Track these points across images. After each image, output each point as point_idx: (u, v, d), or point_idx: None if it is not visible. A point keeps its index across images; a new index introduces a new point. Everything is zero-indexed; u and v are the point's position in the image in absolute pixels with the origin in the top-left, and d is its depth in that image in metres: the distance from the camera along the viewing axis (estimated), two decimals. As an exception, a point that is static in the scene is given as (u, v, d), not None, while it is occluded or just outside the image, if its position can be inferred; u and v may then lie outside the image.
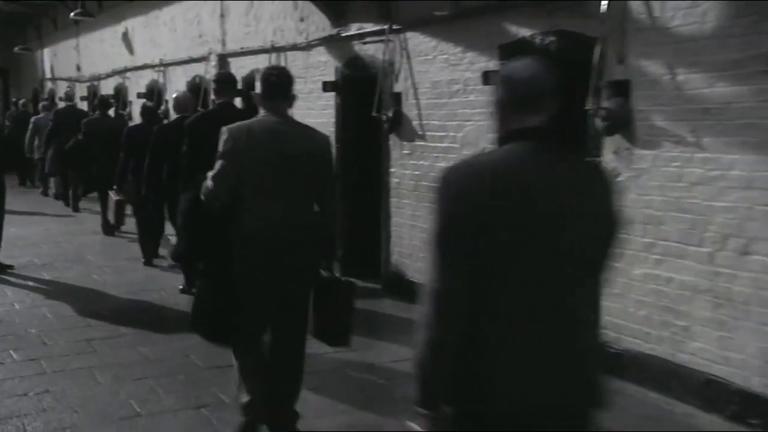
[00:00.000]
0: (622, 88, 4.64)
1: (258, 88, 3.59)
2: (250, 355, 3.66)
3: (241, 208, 3.48)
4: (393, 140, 6.87)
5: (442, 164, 6.13)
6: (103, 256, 8.49)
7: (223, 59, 9.76)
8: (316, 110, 7.80)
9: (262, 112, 3.58)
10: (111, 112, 10.35)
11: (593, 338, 1.91)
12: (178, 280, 6.94)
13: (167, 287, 6.95)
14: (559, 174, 1.80)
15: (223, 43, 9.83)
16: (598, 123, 4.75)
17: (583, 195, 1.83)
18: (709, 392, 4.16)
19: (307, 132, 3.69)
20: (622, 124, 4.65)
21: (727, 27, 4.02)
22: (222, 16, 9.82)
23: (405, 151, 6.72)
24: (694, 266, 4.25)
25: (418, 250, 6.41)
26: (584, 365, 1.85)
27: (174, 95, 7.14)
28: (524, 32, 5.38)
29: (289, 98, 3.62)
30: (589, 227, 1.82)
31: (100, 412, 4.21)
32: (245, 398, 3.65)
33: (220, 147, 3.49)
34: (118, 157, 7.77)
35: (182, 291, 6.58)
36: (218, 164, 3.48)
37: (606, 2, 4.60)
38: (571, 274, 1.79)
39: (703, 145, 4.21)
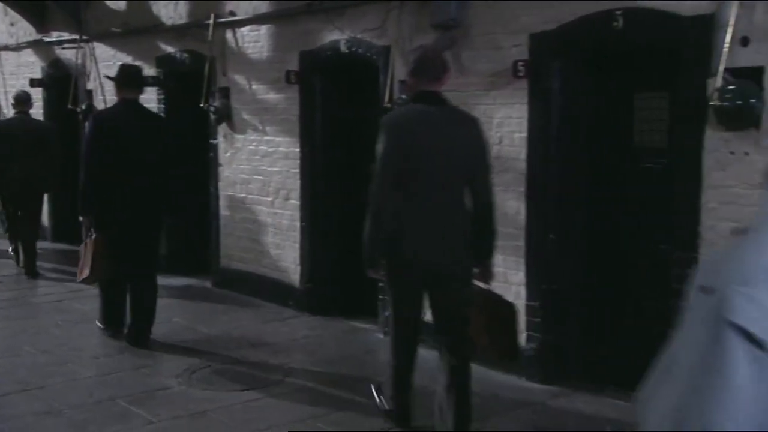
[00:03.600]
0: (226, 93, 7.00)
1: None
2: None
3: None
4: (86, 127, 8.75)
5: (123, 147, 8.21)
6: None
7: (-57, 54, 10.93)
8: (27, 102, 9.46)
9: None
10: None
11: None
12: None
13: None
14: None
15: (-57, 40, 11.00)
16: (212, 117, 7.08)
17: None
18: (275, 289, 6.67)
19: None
20: (226, 117, 7.01)
21: (270, 55, 6.52)
22: (-60, 14, 10.98)
23: (97, 137, 8.66)
24: (265, 210, 6.73)
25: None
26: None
27: None
28: (170, 50, 7.60)
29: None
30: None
31: None
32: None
33: None
34: None
35: None
36: None
37: (211, 32, 6.92)
38: None
39: (266, 131, 6.69)
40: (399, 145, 3.60)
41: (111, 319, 5.62)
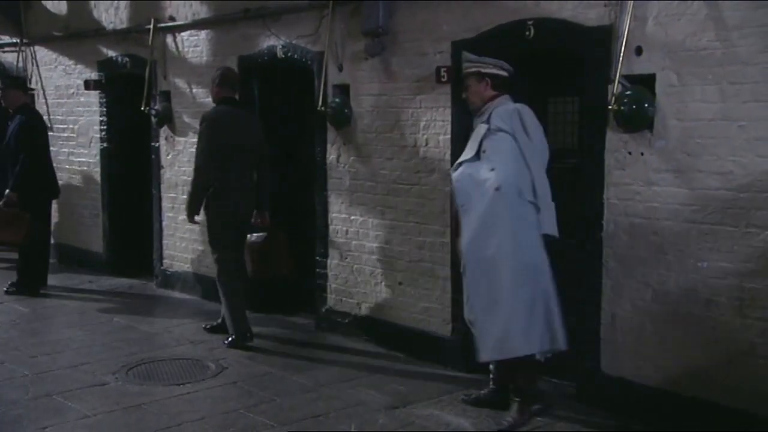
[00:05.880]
0: (167, 96, 7.14)
1: None
2: None
3: None
4: None
5: (65, 150, 8.30)
6: None
7: None
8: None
9: None
10: None
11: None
12: None
13: None
14: None
15: None
16: (153, 119, 7.21)
17: None
18: (216, 289, 6.78)
19: None
20: (167, 120, 7.15)
21: (210, 59, 6.69)
22: None
23: (39, 140, 8.70)
24: (206, 211, 6.88)
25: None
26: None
27: None
28: (112, 53, 7.71)
29: None
30: None
31: None
32: None
33: None
34: None
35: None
36: None
37: (151, 37, 7.05)
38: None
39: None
40: (214, 133, 5.41)
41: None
